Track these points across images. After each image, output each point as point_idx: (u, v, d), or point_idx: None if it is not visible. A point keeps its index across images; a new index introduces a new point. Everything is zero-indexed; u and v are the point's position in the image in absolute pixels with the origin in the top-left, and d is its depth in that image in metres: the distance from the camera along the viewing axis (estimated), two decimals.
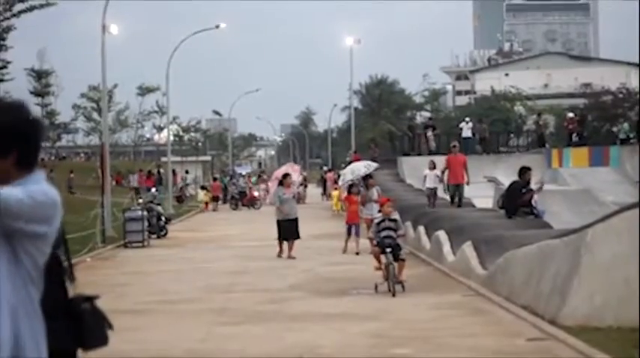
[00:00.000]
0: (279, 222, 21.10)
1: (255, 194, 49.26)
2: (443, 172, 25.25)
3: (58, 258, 4.03)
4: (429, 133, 43.24)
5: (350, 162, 33.76)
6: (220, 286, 16.04)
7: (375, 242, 14.70)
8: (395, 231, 14.57)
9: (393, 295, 13.63)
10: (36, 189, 3.22)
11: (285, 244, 20.97)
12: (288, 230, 20.87)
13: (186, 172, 56.28)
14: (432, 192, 26.06)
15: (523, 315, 11.16)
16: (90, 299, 4.15)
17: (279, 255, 20.91)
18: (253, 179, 57.69)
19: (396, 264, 14.12)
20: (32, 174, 3.30)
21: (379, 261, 14.38)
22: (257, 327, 11.45)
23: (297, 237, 21.04)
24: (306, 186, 54.32)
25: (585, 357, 8.60)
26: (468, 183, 24.89)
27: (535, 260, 11.94)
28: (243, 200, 48.83)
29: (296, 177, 29.45)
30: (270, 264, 19.77)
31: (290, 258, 20.54)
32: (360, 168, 22.75)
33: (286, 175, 22.56)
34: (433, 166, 26.56)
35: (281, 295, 14.64)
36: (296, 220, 21.07)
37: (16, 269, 3.25)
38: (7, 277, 3.24)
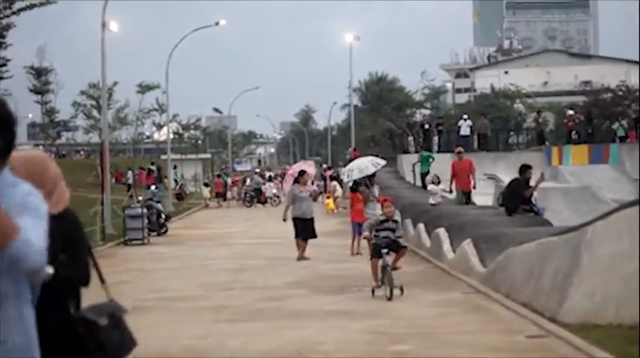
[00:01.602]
0: (295, 221, 20.29)
1: (274, 191, 49.12)
2: (451, 181, 24.76)
3: (69, 275, 4.00)
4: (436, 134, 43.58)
5: (350, 160, 33.56)
6: (220, 283, 16.04)
7: (372, 242, 14.21)
8: (394, 231, 14.18)
9: (389, 299, 13.15)
10: (40, 209, 3.30)
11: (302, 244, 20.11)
12: (304, 229, 20.07)
13: (174, 168, 55.57)
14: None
15: (523, 312, 11.16)
16: (89, 322, 4.08)
17: (300, 257, 19.85)
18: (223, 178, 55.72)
19: (393, 257, 13.79)
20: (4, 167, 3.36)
21: (376, 276, 13.82)
22: (257, 324, 11.46)
23: (314, 236, 20.25)
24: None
25: (585, 354, 8.60)
26: (474, 188, 24.53)
27: (535, 257, 11.94)
28: (260, 197, 48.84)
29: (312, 170, 29.01)
30: (270, 262, 19.76)
31: (303, 258, 19.77)
32: (368, 166, 21.63)
33: (303, 172, 21.80)
34: (438, 181, 25.86)
35: (281, 292, 14.64)
36: (312, 220, 20.30)
37: (15, 276, 3.31)
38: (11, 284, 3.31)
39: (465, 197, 24.43)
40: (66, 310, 4.06)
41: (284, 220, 20.99)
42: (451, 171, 24.85)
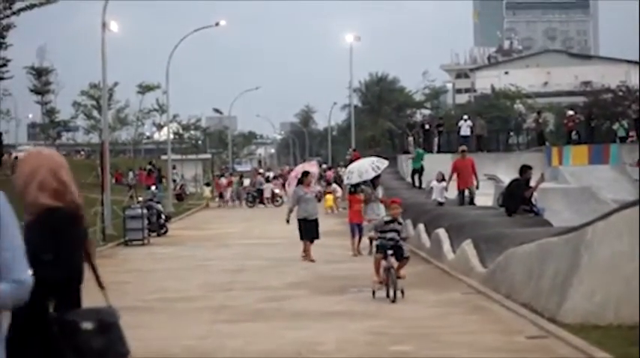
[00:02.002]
0: (299, 222, 20.09)
1: (277, 191, 49.15)
2: (450, 179, 24.67)
3: (47, 275, 3.98)
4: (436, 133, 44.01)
5: (351, 161, 33.61)
6: (220, 284, 16.04)
7: (376, 243, 14.00)
8: (399, 233, 13.89)
9: (393, 301, 12.95)
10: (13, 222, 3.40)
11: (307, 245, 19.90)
12: (308, 230, 19.89)
13: (174, 168, 55.31)
14: (439, 205, 25.51)
15: (523, 313, 11.16)
16: (66, 322, 4.03)
17: (305, 258, 19.72)
18: (235, 181, 55.14)
19: (397, 264, 13.46)
20: None
21: (378, 273, 13.62)
22: (257, 325, 11.46)
23: (317, 237, 20.06)
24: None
25: (585, 355, 8.60)
26: (477, 187, 24.37)
27: (535, 258, 11.94)
28: (262, 197, 48.88)
29: (315, 170, 28.96)
30: (269, 262, 19.76)
31: (306, 259, 19.58)
32: (368, 169, 20.99)
33: (306, 173, 21.53)
34: (442, 178, 25.46)
35: (281, 293, 14.64)
36: (316, 221, 20.11)
37: None
38: None
39: (469, 196, 24.23)
40: (43, 309, 4.01)
41: (287, 221, 20.63)
42: (451, 170, 24.70)
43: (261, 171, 63.14)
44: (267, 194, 49.12)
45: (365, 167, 21.31)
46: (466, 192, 24.31)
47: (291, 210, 20.58)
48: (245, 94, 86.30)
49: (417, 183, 34.49)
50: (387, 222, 13.96)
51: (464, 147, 26.71)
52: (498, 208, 20.44)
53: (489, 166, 36.92)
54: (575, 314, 10.08)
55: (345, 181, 22.95)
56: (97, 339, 3.98)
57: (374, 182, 20.86)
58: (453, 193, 26.35)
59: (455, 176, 24.57)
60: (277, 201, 47.57)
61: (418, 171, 34.51)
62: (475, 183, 24.35)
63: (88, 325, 3.98)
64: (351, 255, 20.53)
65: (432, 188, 26.20)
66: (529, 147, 46.65)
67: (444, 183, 25.26)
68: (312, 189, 21.58)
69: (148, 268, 19.71)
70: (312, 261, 19.51)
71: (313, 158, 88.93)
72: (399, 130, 60.21)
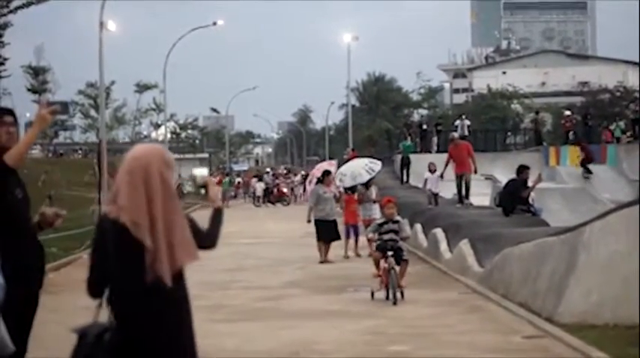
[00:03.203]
0: (317, 223, 19.60)
1: (284, 190, 49.23)
2: (446, 165, 24.18)
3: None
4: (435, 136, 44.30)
5: (347, 160, 33.62)
6: (217, 283, 16.03)
7: (374, 244, 13.78)
8: (397, 233, 13.62)
9: (394, 303, 12.69)
10: None
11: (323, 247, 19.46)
12: (327, 231, 19.37)
13: None
14: (434, 197, 25.56)
15: (520, 313, 11.16)
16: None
17: (323, 260, 19.10)
18: (225, 181, 54.78)
19: (397, 268, 13.12)
20: None
21: (378, 267, 13.48)
22: (254, 324, 11.45)
23: (337, 237, 19.60)
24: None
25: (582, 355, 8.60)
26: (475, 171, 23.57)
27: (532, 258, 11.94)
28: (270, 196, 48.93)
29: (334, 170, 28.93)
30: (267, 262, 19.76)
31: (326, 261, 19.12)
32: (362, 172, 20.81)
33: (328, 172, 21.30)
34: (434, 169, 25.68)
35: (278, 292, 14.64)
36: (335, 221, 19.65)
37: None
38: None
39: (465, 179, 23.64)
40: None
41: (308, 222, 20.09)
42: (447, 158, 24.22)
43: (268, 169, 63.14)
44: (258, 193, 49.28)
45: (358, 170, 21.20)
46: (463, 189, 24.03)
47: (311, 209, 20.06)
48: (242, 94, 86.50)
49: (404, 178, 35.34)
50: (380, 224, 13.77)
51: (453, 135, 26.29)
52: (495, 208, 20.45)
53: (486, 166, 36.89)
54: (572, 314, 10.07)
55: (338, 184, 22.48)
56: (82, 349, 4.06)
57: (366, 184, 20.85)
58: (449, 193, 26.39)
59: (451, 163, 24.06)
60: (285, 200, 47.62)
61: (406, 163, 35.71)
62: (473, 167, 23.41)
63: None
64: (342, 256, 20.16)
65: (425, 179, 26.26)
66: (526, 147, 46.75)
67: (437, 173, 25.33)
68: (332, 189, 21.18)
69: None
70: (330, 261, 19.09)
71: (310, 157, 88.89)
72: (396, 130, 60.27)
